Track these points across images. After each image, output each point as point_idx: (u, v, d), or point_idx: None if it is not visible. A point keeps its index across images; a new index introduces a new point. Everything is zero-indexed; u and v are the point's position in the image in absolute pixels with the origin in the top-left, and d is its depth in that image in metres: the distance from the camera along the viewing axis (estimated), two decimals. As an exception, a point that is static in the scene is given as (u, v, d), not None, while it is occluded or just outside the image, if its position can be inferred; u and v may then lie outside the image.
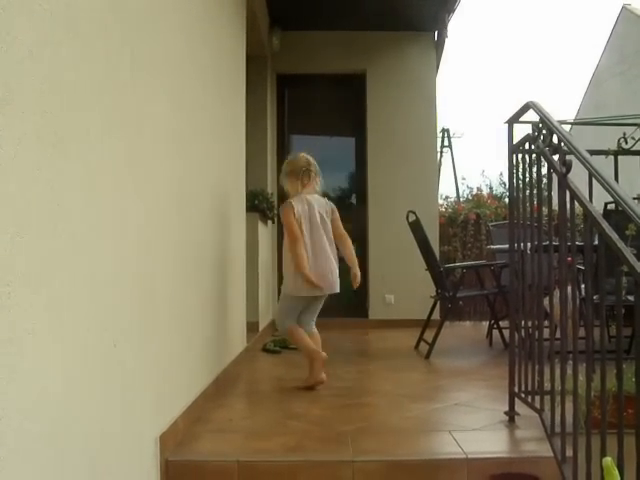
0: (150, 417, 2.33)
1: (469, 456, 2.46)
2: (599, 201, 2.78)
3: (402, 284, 7.15)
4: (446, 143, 23.35)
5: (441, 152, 22.22)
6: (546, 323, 2.80)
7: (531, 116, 2.75)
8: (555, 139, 2.42)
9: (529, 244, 2.81)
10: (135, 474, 2.14)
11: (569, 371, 2.26)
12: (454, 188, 21.40)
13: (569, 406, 2.24)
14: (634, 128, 3.49)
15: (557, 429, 2.36)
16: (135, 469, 2.15)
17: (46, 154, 1.49)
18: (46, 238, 1.50)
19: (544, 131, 2.54)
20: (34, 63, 1.42)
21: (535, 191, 2.73)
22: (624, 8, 15.08)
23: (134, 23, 2.19)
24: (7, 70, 1.31)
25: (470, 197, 11.26)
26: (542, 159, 2.60)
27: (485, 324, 6.48)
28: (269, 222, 6.65)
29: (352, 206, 7.68)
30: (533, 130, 2.65)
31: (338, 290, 4.05)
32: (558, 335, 2.45)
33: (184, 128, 2.92)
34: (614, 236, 1.90)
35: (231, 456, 2.48)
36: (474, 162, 50.35)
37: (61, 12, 1.57)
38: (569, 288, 2.43)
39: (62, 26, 1.57)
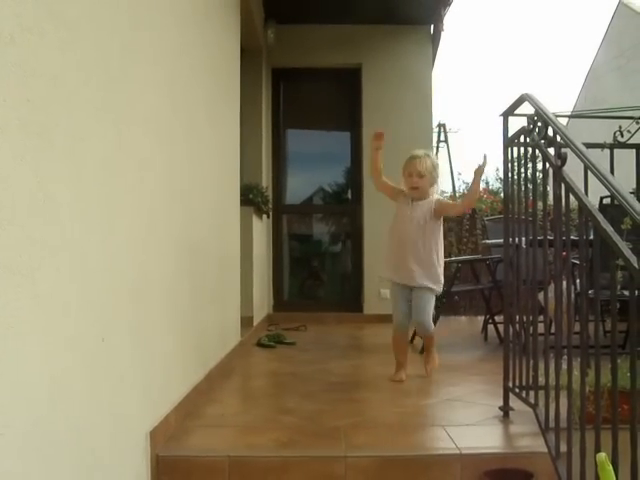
0: (140, 412, 2.30)
1: (463, 451, 2.45)
2: (594, 196, 2.75)
3: (397, 279, 7.12)
4: (442, 138, 23.30)
5: (437, 147, 22.16)
6: (541, 318, 2.78)
7: (527, 109, 2.72)
8: (550, 131, 2.40)
9: (524, 238, 2.79)
10: (125, 470, 2.12)
11: (564, 366, 2.25)
12: (450, 183, 21.35)
13: (563, 401, 2.22)
14: (630, 121, 3.46)
15: (551, 424, 2.34)
16: (125, 465, 2.12)
17: (30, 144, 1.46)
18: (31, 230, 1.47)
19: (539, 123, 2.52)
20: (16, 50, 1.39)
21: (530, 185, 2.71)
22: (621, 3, 15.05)
23: (125, 14, 2.15)
24: (-13, 57, 1.28)
25: (466, 192, 11.23)
26: (537, 152, 2.57)
27: (480, 319, 6.46)
28: (264, 216, 6.62)
29: (348, 200, 7.67)
30: (528, 123, 2.63)
31: (419, 284, 3.82)
32: (553, 330, 2.44)
33: (176, 120, 2.89)
34: (609, 229, 1.88)
35: (222, 451, 2.45)
36: (470, 157, 50.37)
37: (46, -2, 1.53)
38: (564, 282, 2.42)
39: (46, 12, 1.54)
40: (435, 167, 3.88)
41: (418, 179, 3.83)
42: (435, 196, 3.91)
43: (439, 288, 3.89)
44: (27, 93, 1.44)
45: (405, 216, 3.86)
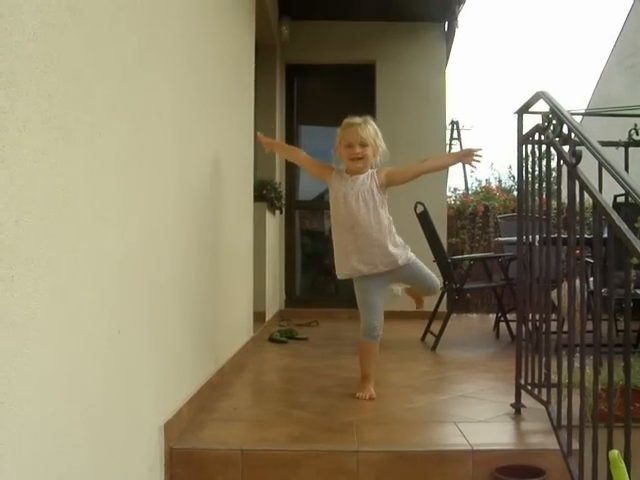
0: (154, 405, 2.32)
1: (475, 448, 2.45)
2: (608, 194, 2.75)
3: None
4: (455, 135, 23.27)
5: (450, 144, 22.12)
6: (554, 316, 2.78)
7: (541, 107, 2.72)
8: (565, 129, 2.40)
9: (537, 236, 2.79)
10: (139, 462, 2.14)
11: (576, 364, 2.25)
12: (462, 180, 21.31)
13: (576, 399, 2.22)
14: (645, 120, 3.45)
15: (563, 422, 2.34)
16: (139, 457, 2.14)
17: (51, 138, 1.48)
18: (50, 223, 1.49)
19: (554, 121, 2.51)
20: (39, 46, 1.40)
21: (544, 183, 2.70)
22: (636, 1, 14.93)
23: (142, 10, 2.17)
24: (10, 52, 1.29)
25: (479, 190, 11.20)
26: (552, 150, 2.57)
27: (492, 316, 6.46)
28: (277, 212, 6.63)
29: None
30: (543, 120, 2.63)
31: (380, 270, 3.33)
32: (566, 328, 2.44)
33: (192, 116, 2.90)
34: (624, 227, 1.87)
35: (235, 445, 2.47)
36: (483, 155, 50.05)
37: (67, -5, 1.55)
38: (577, 281, 2.41)
39: (68, 9, 1.55)
40: (377, 133, 3.37)
41: (361, 149, 3.30)
42: (381, 168, 3.40)
43: (408, 253, 3.44)
44: (49, 87, 1.45)
45: (346, 194, 3.31)
